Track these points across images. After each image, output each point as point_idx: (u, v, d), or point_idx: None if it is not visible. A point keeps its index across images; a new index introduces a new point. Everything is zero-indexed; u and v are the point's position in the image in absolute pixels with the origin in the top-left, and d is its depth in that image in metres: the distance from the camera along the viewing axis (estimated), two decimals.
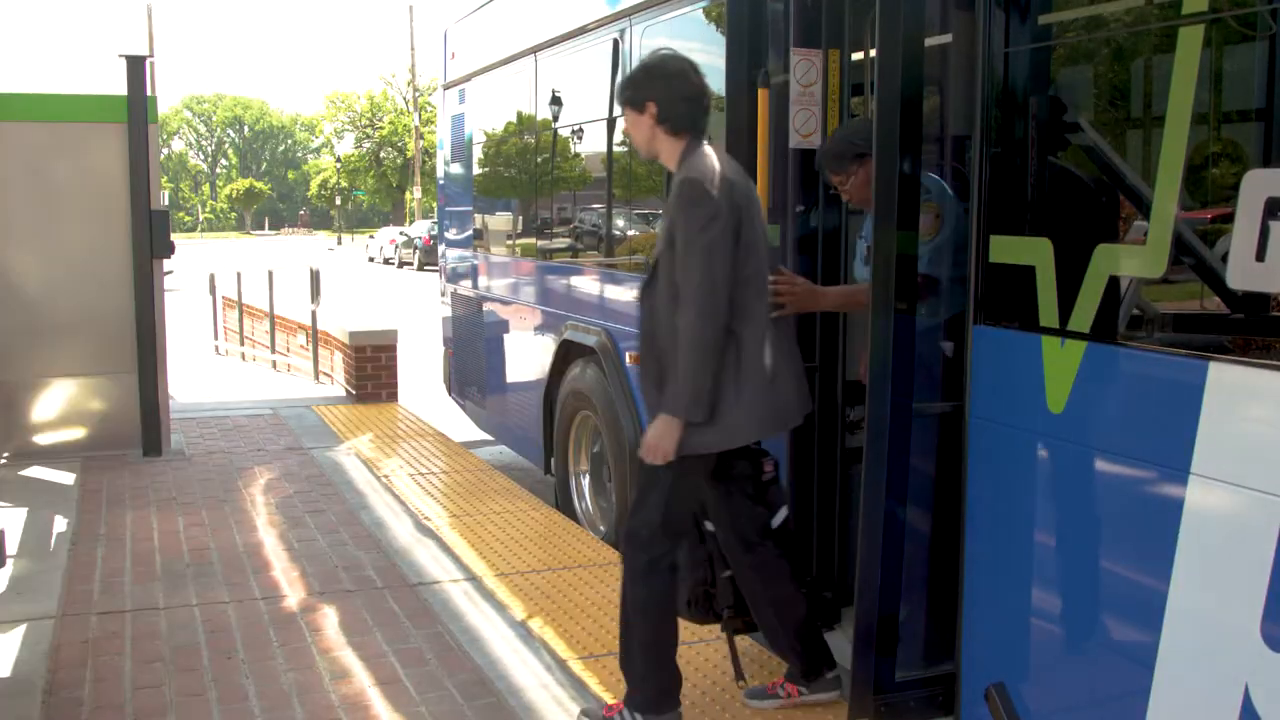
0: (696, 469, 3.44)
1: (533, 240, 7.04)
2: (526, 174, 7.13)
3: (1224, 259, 2.47)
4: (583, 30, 6.07)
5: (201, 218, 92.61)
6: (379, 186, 70.11)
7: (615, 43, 5.65)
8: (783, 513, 3.72)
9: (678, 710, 3.54)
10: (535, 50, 6.74)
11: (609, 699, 3.73)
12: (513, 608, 4.64)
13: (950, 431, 3.42)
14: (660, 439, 3.31)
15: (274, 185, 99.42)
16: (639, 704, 3.49)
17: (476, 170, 8.24)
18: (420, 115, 50.97)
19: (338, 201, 72.84)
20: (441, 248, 9.32)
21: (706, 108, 3.42)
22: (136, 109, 7.08)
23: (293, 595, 4.78)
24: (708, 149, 3.40)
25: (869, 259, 3.73)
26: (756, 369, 3.36)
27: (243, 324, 15.23)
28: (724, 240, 3.25)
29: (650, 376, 3.43)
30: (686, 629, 4.33)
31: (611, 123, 5.79)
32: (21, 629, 4.39)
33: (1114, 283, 2.74)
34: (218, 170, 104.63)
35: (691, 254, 3.24)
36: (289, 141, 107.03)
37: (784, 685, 3.76)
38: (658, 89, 3.37)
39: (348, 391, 9.67)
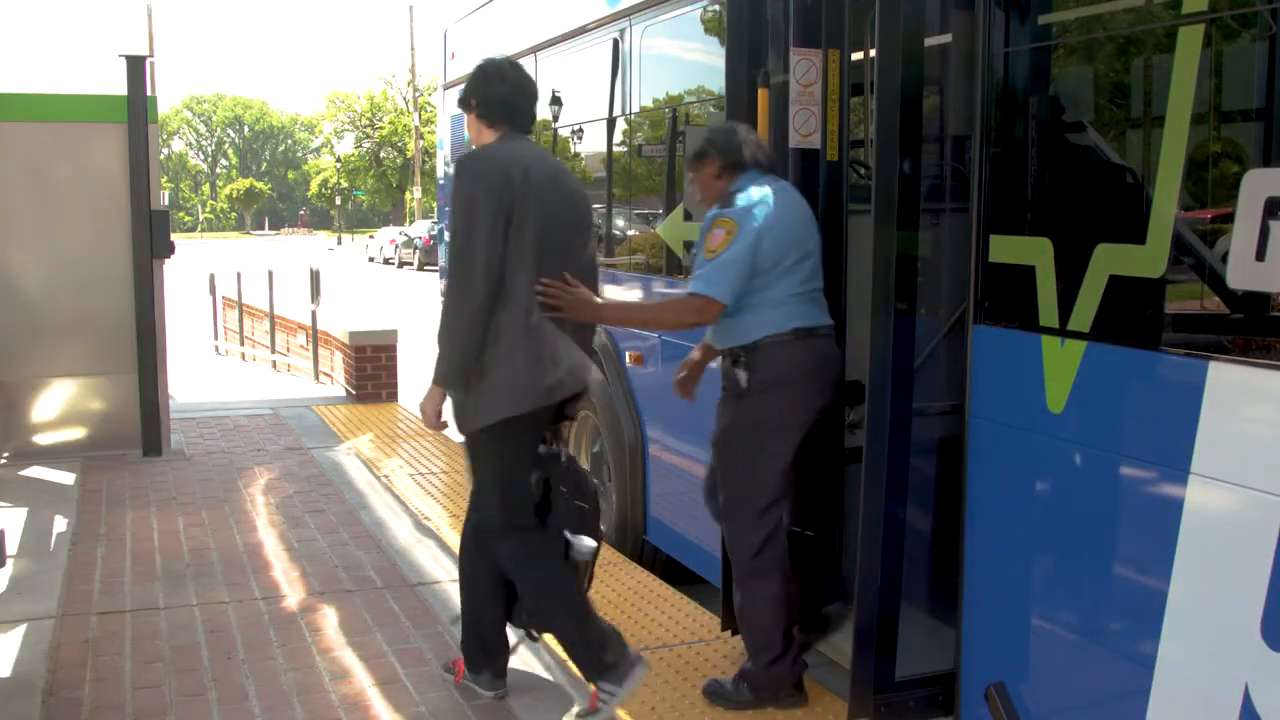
0: (502, 439, 3.49)
1: None
2: None
3: (1224, 259, 2.47)
4: (583, 30, 6.07)
5: (201, 218, 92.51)
6: (379, 186, 70.10)
7: (615, 43, 5.65)
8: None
9: (639, 661, 3.55)
10: (535, 50, 6.74)
11: None
12: None
13: (950, 431, 3.42)
14: (423, 405, 3.52)
15: (274, 185, 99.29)
16: (612, 678, 3.50)
17: None
18: (420, 115, 50.94)
19: (338, 201, 72.84)
20: (442, 247, 9.31)
21: (522, 105, 3.60)
22: (136, 109, 7.08)
23: (293, 595, 4.78)
24: (518, 140, 3.57)
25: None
26: (515, 347, 3.40)
27: (243, 324, 15.23)
28: (486, 216, 3.36)
29: None
30: (687, 630, 4.32)
31: (611, 122, 5.79)
32: (21, 629, 4.39)
33: (1114, 283, 2.74)
34: (218, 170, 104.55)
35: (453, 228, 3.43)
36: (289, 141, 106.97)
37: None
38: (477, 89, 3.60)
39: (348, 391, 9.67)
